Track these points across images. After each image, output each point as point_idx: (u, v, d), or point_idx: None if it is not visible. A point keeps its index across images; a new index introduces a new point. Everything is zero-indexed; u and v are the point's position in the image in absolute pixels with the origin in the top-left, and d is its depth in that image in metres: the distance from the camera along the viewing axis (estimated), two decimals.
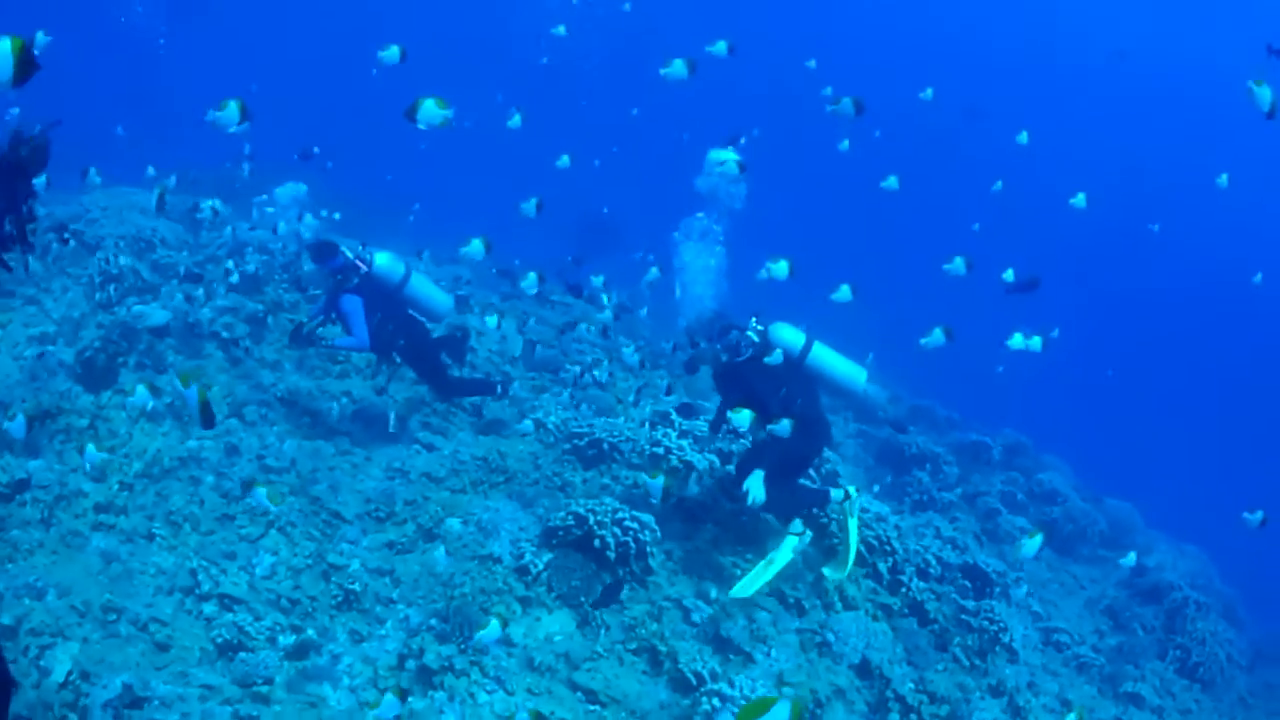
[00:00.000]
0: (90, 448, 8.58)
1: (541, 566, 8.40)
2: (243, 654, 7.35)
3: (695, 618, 8.50)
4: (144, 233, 12.58)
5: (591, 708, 7.49)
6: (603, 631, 8.20)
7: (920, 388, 20.54)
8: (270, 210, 10.26)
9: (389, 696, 6.50)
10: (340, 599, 8.06)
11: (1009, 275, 13.75)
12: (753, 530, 9.55)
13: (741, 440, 10.00)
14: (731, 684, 7.70)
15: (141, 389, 8.72)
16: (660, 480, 8.14)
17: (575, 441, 10.44)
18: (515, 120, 13.23)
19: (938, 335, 9.67)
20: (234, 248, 12.60)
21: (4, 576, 7.65)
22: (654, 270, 14.76)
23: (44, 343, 10.75)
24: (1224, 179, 16.64)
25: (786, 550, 8.92)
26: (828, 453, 13.03)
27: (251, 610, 7.83)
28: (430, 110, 7.78)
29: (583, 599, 8.31)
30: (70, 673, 6.82)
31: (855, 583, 9.45)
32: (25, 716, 6.41)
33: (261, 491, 8.03)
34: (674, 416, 11.51)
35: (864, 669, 8.72)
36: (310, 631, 7.71)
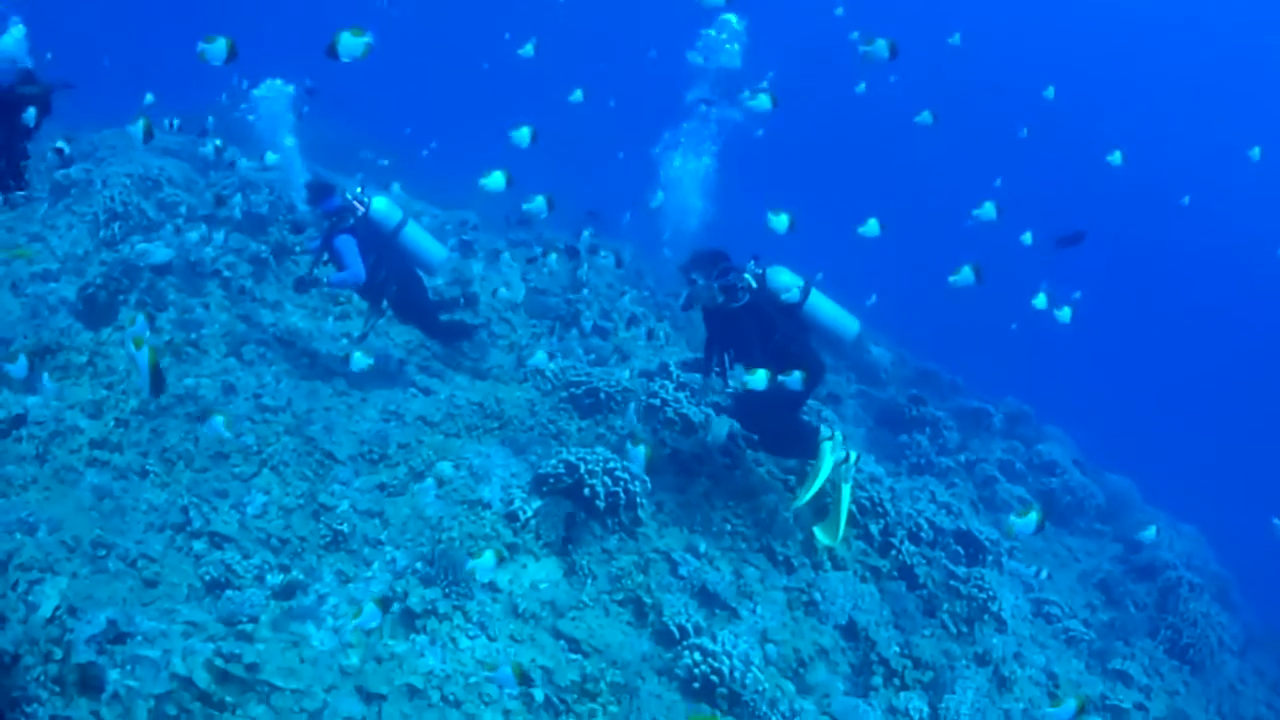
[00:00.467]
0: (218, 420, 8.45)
1: (530, 513, 8.43)
2: (229, 592, 7.39)
3: (683, 571, 8.51)
4: (151, 171, 12.57)
5: (573, 657, 7.51)
6: (589, 581, 8.22)
7: (925, 351, 20.53)
8: (251, 118, 10.12)
9: (369, 605, 6.55)
10: (329, 539, 8.09)
11: (1027, 238, 13.67)
12: (745, 485, 9.56)
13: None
14: (714, 639, 7.72)
15: (140, 318, 8.74)
16: (642, 450, 8.05)
17: (572, 390, 10.45)
18: (528, 48, 13.02)
19: (966, 273, 9.54)
20: (240, 186, 12.60)
21: None
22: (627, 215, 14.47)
23: (47, 280, 10.77)
24: (1256, 152, 16.49)
25: (826, 455, 8.96)
26: (828, 413, 13.05)
27: (241, 549, 7.88)
28: (349, 42, 7.67)
29: (570, 547, 8.35)
30: (57, 608, 6.86)
31: (846, 543, 9.45)
32: (11, 651, 6.41)
33: (219, 420, 8.02)
34: (672, 369, 11.51)
35: (850, 630, 8.74)
36: (297, 571, 7.75)
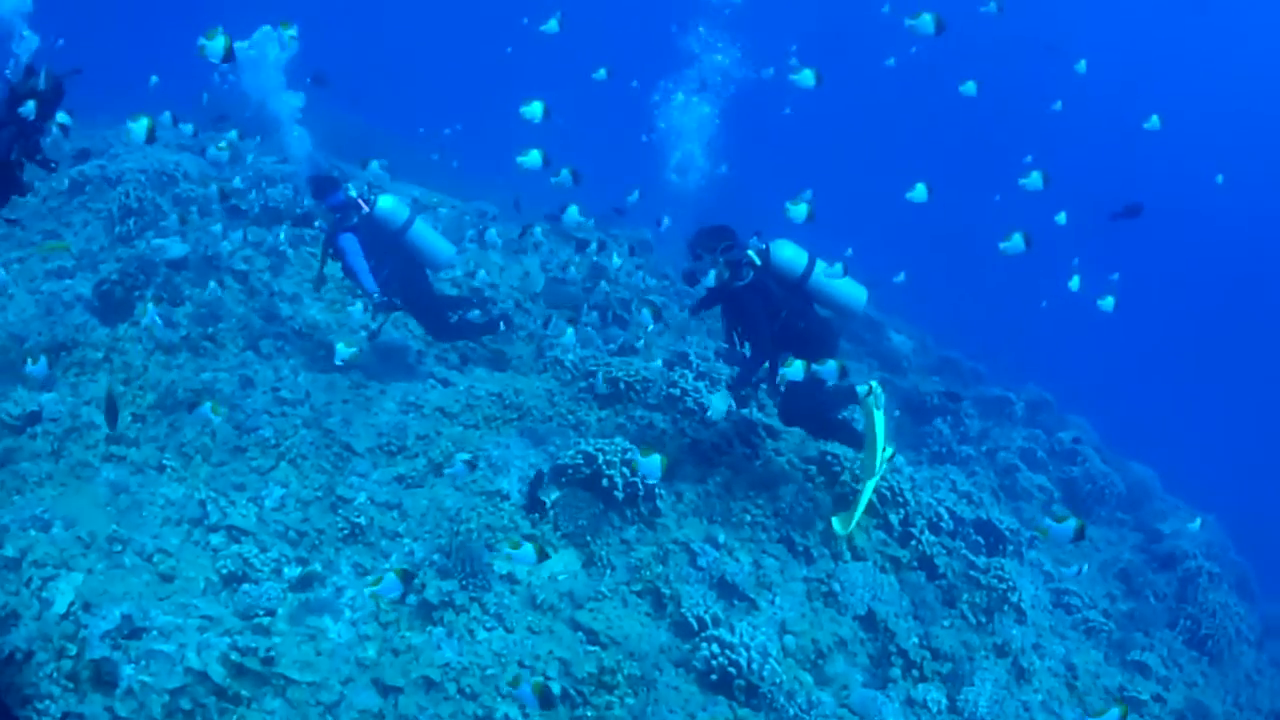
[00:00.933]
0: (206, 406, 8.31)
1: (549, 504, 8.40)
2: (246, 585, 7.37)
3: (701, 562, 8.47)
4: (166, 166, 12.59)
5: (591, 648, 7.47)
6: (608, 572, 8.20)
7: (947, 337, 20.43)
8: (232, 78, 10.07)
9: (390, 576, 6.51)
10: (346, 532, 8.08)
11: (1061, 218, 13.55)
12: (765, 474, 9.51)
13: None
14: (732, 630, 7.68)
15: (151, 309, 8.74)
16: (657, 460, 7.64)
17: (591, 380, 10.41)
18: (553, 24, 12.90)
19: (1017, 240, 9.39)
20: (255, 180, 12.61)
21: (10, 509, 7.69)
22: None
23: (62, 277, 10.79)
24: None
25: (875, 415, 8.96)
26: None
27: (258, 542, 7.86)
28: (217, 45, 7.61)
29: (588, 538, 8.31)
30: (72, 604, 6.85)
31: (865, 532, 9.40)
32: (24, 648, 6.44)
33: (206, 406, 7.98)
34: (692, 357, 11.46)
35: (869, 621, 8.67)
36: (315, 564, 7.74)
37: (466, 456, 8.20)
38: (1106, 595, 12.92)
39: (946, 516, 10.31)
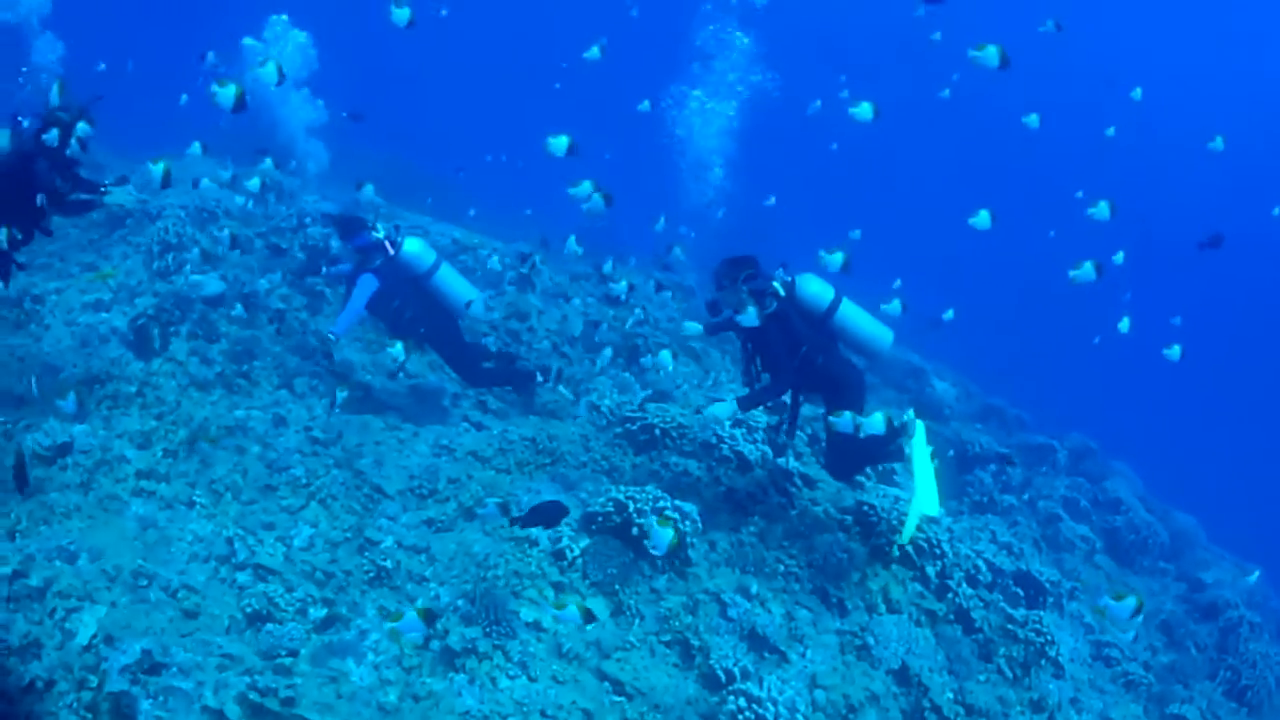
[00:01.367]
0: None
1: (578, 552, 8.29)
2: (270, 625, 7.31)
3: (732, 613, 8.31)
4: (207, 203, 12.65)
5: (616, 699, 7.34)
6: (637, 621, 8.07)
7: (992, 383, 20.24)
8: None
9: (410, 614, 6.42)
10: (373, 575, 8.00)
11: (1119, 258, 13.37)
12: (800, 524, 9.36)
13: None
14: (761, 683, 7.51)
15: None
16: (669, 532, 7.41)
17: (628, 425, 10.31)
18: (594, 51, 12.83)
19: (1088, 269, 9.19)
20: (297, 223, 12.65)
21: (37, 539, 7.72)
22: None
23: (99, 310, 10.85)
24: None
25: (919, 441, 8.87)
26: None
27: (285, 582, 7.80)
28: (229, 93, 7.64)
29: (617, 586, 8.18)
30: (94, 636, 6.86)
31: (902, 585, 9.22)
32: (45, 677, 6.45)
33: (204, 446, 8.00)
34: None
35: (902, 675, 8.45)
36: (341, 606, 7.67)
37: (498, 500, 8.08)
38: (1148, 647, 12.65)
39: (985, 568, 10.11)
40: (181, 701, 6.54)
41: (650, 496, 8.51)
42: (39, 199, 8.41)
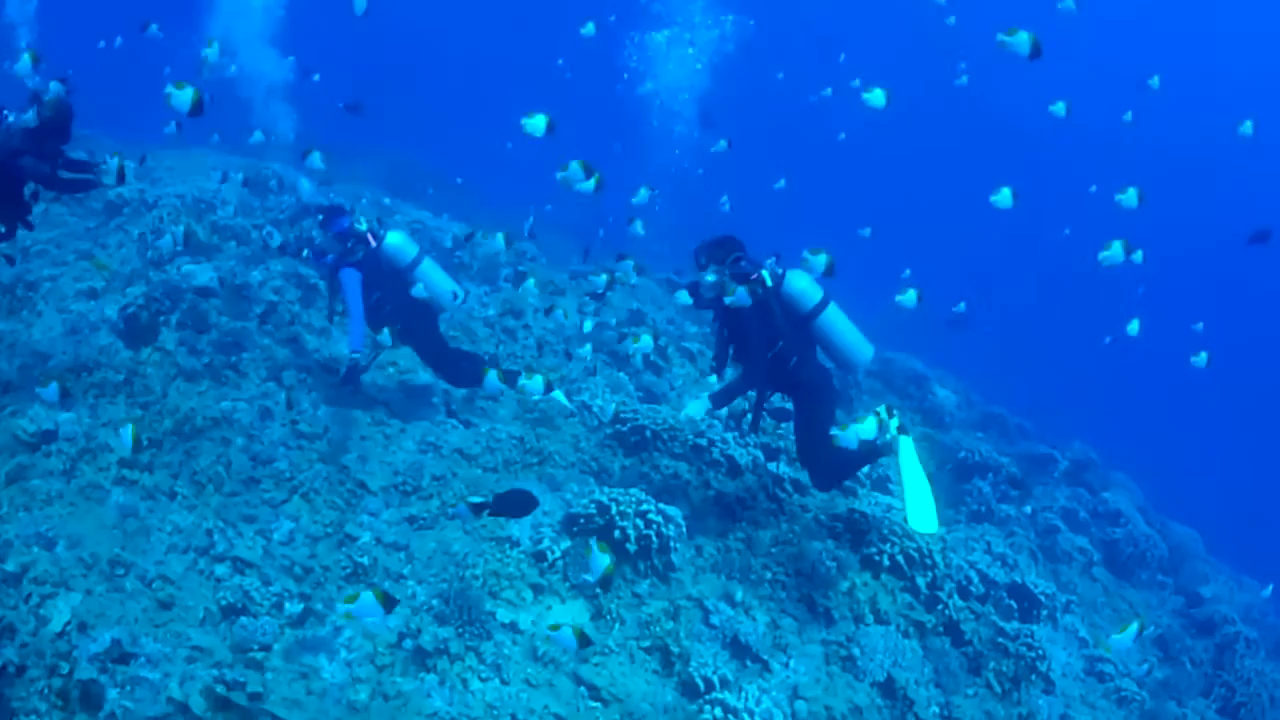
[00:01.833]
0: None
1: (558, 554, 8.19)
2: (244, 619, 7.24)
3: (715, 620, 8.20)
4: (205, 194, 12.60)
5: (592, 704, 7.23)
6: (617, 626, 7.96)
7: (995, 389, 20.10)
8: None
9: (367, 595, 6.10)
10: (350, 571, 7.92)
11: (1138, 256, 13.21)
12: (790, 531, 9.25)
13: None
14: (739, 693, 7.41)
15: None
16: (606, 559, 7.04)
17: (618, 427, 10.21)
18: (589, 27, 12.60)
19: (1117, 250, 8.90)
20: (295, 213, 12.59)
21: (16, 524, 7.68)
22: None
23: (91, 298, 10.79)
24: None
25: (907, 451, 8.49)
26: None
27: (262, 575, 7.76)
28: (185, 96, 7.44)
29: (598, 589, 8.08)
30: (68, 623, 6.85)
31: (891, 595, 9.10)
32: (16, 662, 6.46)
33: (126, 430, 7.89)
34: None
35: (888, 688, 8.32)
36: (317, 602, 7.60)
37: (477, 500, 7.90)
38: (1142, 662, 12.50)
39: (977, 580, 9.98)
40: (148, 692, 6.50)
41: (634, 499, 8.40)
42: (26, 192, 8.41)
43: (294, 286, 11.43)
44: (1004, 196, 9.41)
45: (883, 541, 9.24)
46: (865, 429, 8.08)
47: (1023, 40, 8.13)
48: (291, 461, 9.01)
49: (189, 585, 7.55)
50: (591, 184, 8.52)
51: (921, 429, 16.00)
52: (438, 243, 13.89)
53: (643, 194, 11.13)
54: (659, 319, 14.40)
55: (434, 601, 7.64)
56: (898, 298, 10.42)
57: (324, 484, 8.83)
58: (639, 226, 10.90)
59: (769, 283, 8.25)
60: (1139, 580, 14.64)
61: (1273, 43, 50.33)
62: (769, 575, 8.83)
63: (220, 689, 6.52)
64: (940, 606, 9.21)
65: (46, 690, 6.36)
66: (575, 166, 8.32)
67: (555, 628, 6.65)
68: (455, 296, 9.96)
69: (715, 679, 7.54)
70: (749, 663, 8.06)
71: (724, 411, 10.38)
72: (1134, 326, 13.04)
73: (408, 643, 7.25)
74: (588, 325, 10.89)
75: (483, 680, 7.11)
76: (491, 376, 8.14)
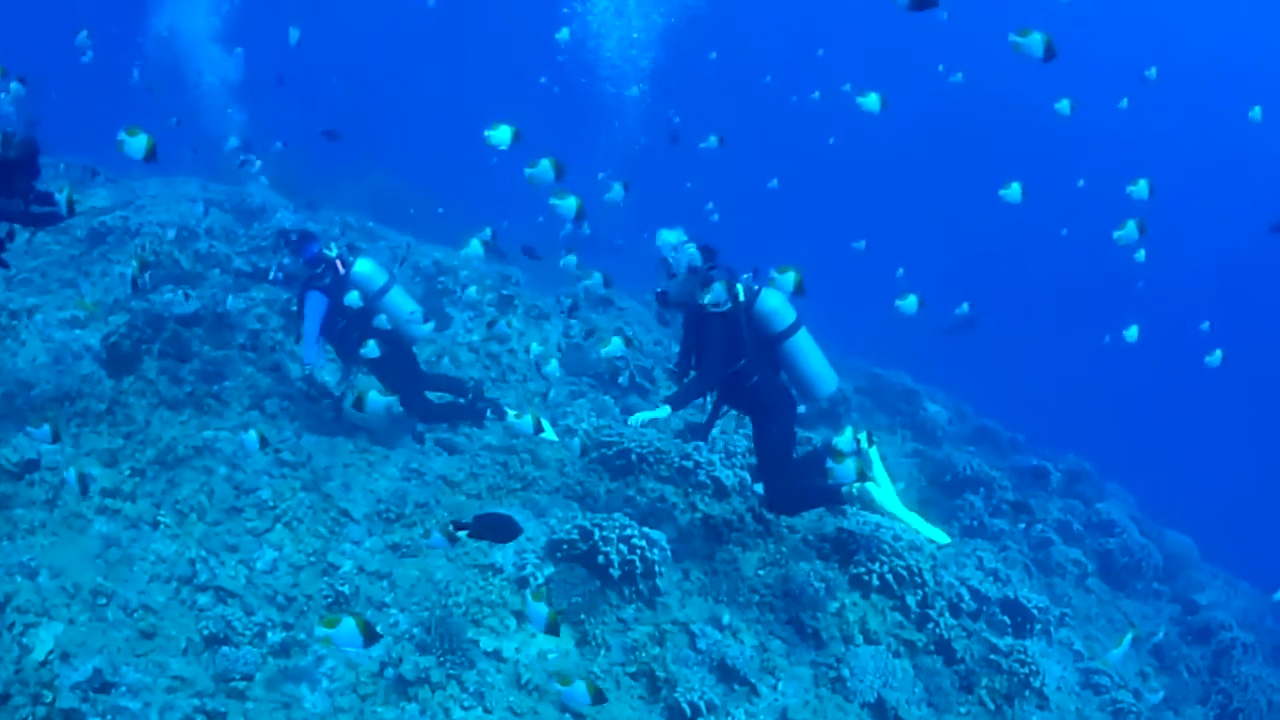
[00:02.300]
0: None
1: (542, 580, 8.12)
2: (225, 648, 7.21)
3: (701, 644, 8.13)
4: (189, 221, 12.59)
5: None
6: (602, 652, 7.89)
7: (987, 402, 20.07)
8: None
9: (349, 622, 5.96)
10: (331, 600, 7.86)
11: (1140, 256, 13.13)
12: (777, 552, 9.19)
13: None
14: (727, 718, 7.36)
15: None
16: (543, 608, 6.74)
17: (604, 450, 10.15)
18: (564, 33, 12.36)
19: (1131, 229, 8.77)
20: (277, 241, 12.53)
21: None
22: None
23: (74, 327, 10.76)
24: None
25: (878, 468, 8.48)
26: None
27: (245, 605, 7.72)
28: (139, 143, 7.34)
29: (583, 616, 8.01)
30: (50, 652, 6.89)
31: (881, 615, 9.04)
32: (1, 692, 6.50)
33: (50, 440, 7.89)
34: (715, 432, 11.13)
35: (879, 709, 8.25)
36: (300, 631, 7.55)
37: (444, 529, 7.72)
38: (1139, 673, 12.44)
39: (968, 596, 9.92)
40: None
41: (617, 524, 8.33)
42: (1, 232, 8.44)
43: (277, 314, 11.38)
44: (1013, 191, 9.36)
45: (871, 561, 9.19)
46: (843, 440, 8.04)
47: (1036, 41, 7.69)
48: (275, 490, 8.96)
49: (171, 615, 7.53)
50: (573, 206, 8.47)
51: (913, 444, 15.97)
52: (420, 267, 13.82)
53: (617, 190, 11.01)
54: (646, 341, 14.34)
55: (415, 630, 7.58)
56: (897, 302, 10.34)
57: (307, 512, 8.79)
58: (619, 190, 10.76)
59: (741, 298, 8.14)
60: (1134, 590, 14.60)
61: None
62: (756, 598, 8.78)
63: (200, 718, 6.51)
64: (931, 625, 9.15)
65: (30, 718, 6.38)
66: (545, 164, 8.09)
67: (566, 682, 6.53)
68: (413, 315, 9.89)
69: (702, 704, 7.47)
70: (736, 686, 7.99)
71: (679, 424, 10.36)
72: (1132, 332, 13.00)
73: (389, 671, 7.19)
74: (535, 347, 10.82)
75: (465, 709, 7.06)
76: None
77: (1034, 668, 9.19)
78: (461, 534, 6.99)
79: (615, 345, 9.26)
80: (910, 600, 9.22)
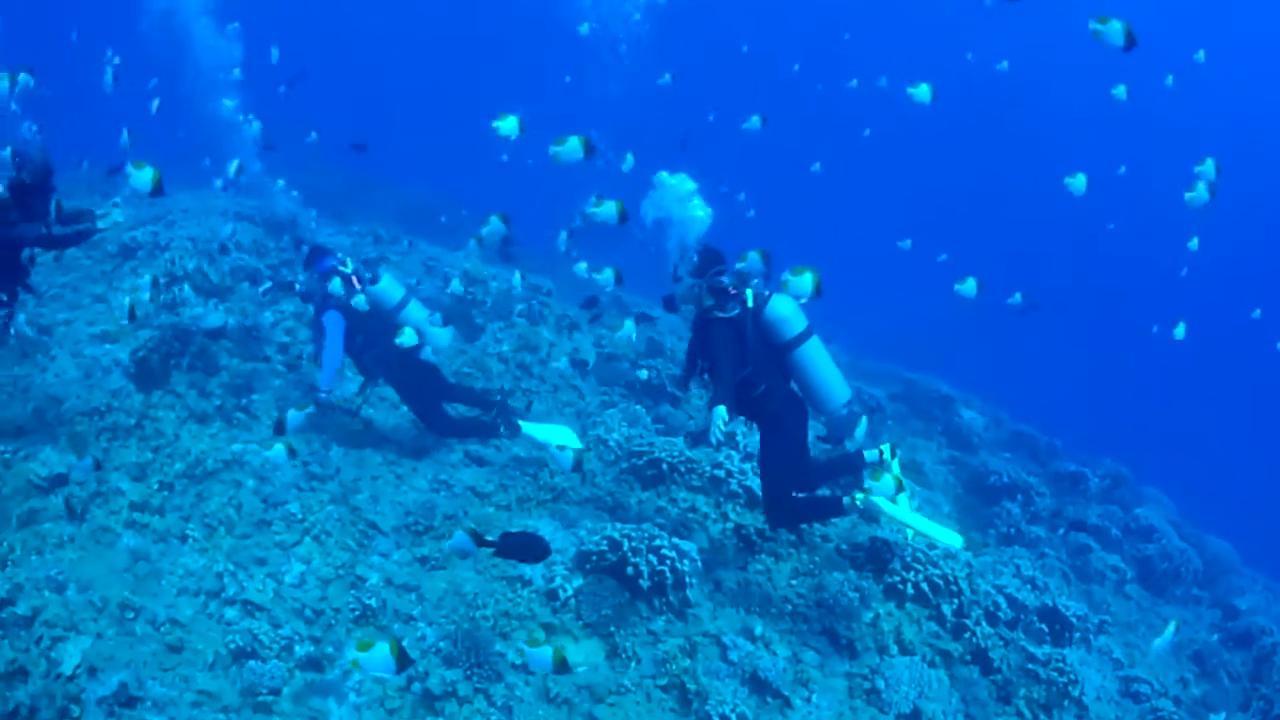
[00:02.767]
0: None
1: (571, 592, 8.04)
2: (252, 662, 7.17)
3: (733, 656, 8.01)
4: (220, 235, 12.61)
5: None
6: (632, 665, 7.79)
7: (1021, 411, 19.85)
8: None
9: (382, 648, 6.05)
10: (359, 613, 7.81)
11: (1194, 244, 12.98)
12: (811, 562, 9.08)
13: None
14: None
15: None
16: (547, 651, 6.63)
17: (634, 460, 10.07)
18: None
19: (1201, 191, 8.53)
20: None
21: (27, 567, 7.74)
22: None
23: (104, 342, 10.80)
24: None
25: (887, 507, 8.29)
26: (909, 484, 12.43)
27: (272, 618, 7.68)
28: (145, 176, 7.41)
29: (612, 628, 7.92)
30: (78, 666, 6.89)
31: (916, 625, 8.91)
32: (28, 704, 6.53)
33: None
34: (738, 437, 11.02)
35: None
36: (327, 645, 7.52)
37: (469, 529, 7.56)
38: (1179, 680, 12.23)
39: (1005, 605, 9.76)
40: None
41: (646, 535, 8.24)
42: (24, 256, 8.46)
43: (306, 327, 11.37)
44: (1078, 182, 9.19)
45: (906, 570, 9.07)
46: (870, 454, 7.90)
47: (1116, 30, 7.53)
48: (303, 503, 8.94)
49: (198, 629, 7.50)
50: (614, 211, 8.15)
51: (949, 451, 15.80)
52: (449, 278, 13.77)
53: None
54: (680, 350, 14.22)
55: (442, 644, 7.51)
56: (957, 286, 10.20)
57: (335, 525, 8.75)
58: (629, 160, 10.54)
59: (750, 304, 7.95)
60: (1173, 596, 14.39)
61: None
62: (789, 608, 8.66)
63: None
64: (967, 634, 9.01)
65: None
66: (574, 142, 7.80)
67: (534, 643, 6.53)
68: (433, 318, 9.82)
69: (733, 716, 7.36)
70: (769, 699, 7.87)
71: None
72: (1180, 330, 12.81)
73: (416, 686, 7.13)
74: (628, 324, 10.65)
75: None
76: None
77: (1073, 676, 9.03)
78: (486, 551, 6.91)
79: (628, 328, 9.12)
80: (946, 609, 9.09)
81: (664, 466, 9.96)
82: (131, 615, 7.45)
